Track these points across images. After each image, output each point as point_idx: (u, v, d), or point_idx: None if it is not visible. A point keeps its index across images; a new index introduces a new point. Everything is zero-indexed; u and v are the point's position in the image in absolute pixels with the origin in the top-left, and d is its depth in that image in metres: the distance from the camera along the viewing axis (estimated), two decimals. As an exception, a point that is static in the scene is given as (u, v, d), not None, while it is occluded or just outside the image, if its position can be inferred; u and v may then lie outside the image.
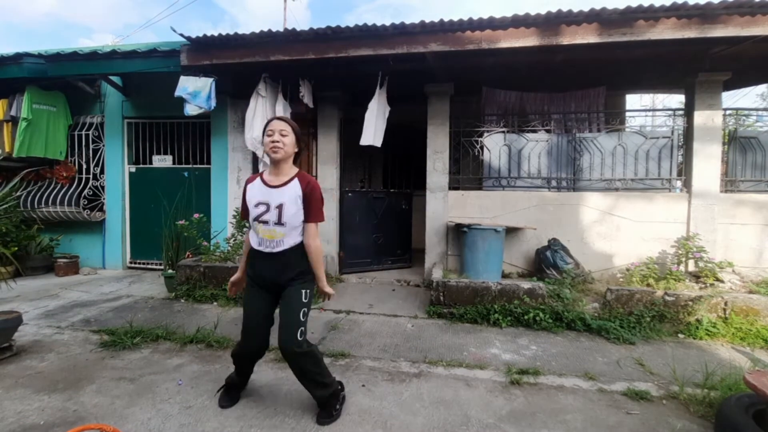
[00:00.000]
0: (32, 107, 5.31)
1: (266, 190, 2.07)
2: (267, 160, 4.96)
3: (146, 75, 5.16)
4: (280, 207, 2.02)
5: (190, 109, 4.76)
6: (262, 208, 2.05)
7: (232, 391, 2.30)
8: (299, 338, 2.01)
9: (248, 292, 2.18)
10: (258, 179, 2.14)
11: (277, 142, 2.02)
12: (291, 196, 2.04)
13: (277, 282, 2.10)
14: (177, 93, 4.69)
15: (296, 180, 2.08)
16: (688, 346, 3.16)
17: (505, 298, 3.66)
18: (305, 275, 2.12)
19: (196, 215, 4.85)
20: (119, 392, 2.36)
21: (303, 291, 2.07)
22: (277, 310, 2.15)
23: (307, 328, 2.10)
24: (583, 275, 4.42)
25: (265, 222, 2.04)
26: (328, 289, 2.18)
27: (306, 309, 2.07)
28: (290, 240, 2.07)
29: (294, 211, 2.04)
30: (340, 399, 2.20)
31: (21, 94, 5.26)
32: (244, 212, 2.19)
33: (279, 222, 2.03)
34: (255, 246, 2.11)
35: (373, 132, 4.74)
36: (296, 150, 2.13)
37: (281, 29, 4.54)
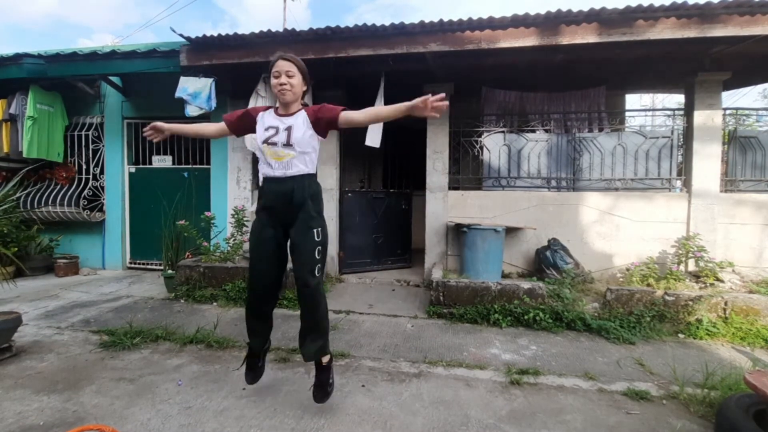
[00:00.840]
0: (36, 107, 5.32)
1: (277, 117, 2.12)
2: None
3: (146, 75, 5.17)
4: (288, 129, 2.05)
5: (191, 110, 4.76)
6: (272, 131, 2.07)
7: (253, 363, 2.26)
8: (317, 274, 2.03)
9: (255, 227, 2.17)
10: (271, 109, 2.18)
11: (285, 84, 2.03)
12: (299, 120, 2.08)
13: (286, 212, 2.08)
14: (177, 94, 4.69)
15: (303, 111, 2.12)
16: (688, 345, 3.16)
17: (505, 298, 3.66)
18: (315, 209, 2.10)
19: (208, 213, 4.87)
20: (119, 393, 2.36)
21: (315, 230, 2.06)
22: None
23: (323, 270, 2.10)
24: (583, 275, 4.41)
25: (274, 144, 2.05)
26: (417, 101, 2.00)
27: (321, 247, 2.06)
28: (300, 165, 2.07)
29: (303, 133, 2.05)
30: (332, 374, 2.18)
31: (21, 93, 5.26)
32: (238, 120, 2.21)
33: (287, 143, 2.03)
34: (263, 171, 2.12)
35: (378, 132, 4.74)
36: (304, 89, 2.14)
37: (281, 29, 4.54)
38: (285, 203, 2.08)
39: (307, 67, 2.16)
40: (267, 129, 2.09)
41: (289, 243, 2.16)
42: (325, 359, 2.14)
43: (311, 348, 2.09)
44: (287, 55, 2.11)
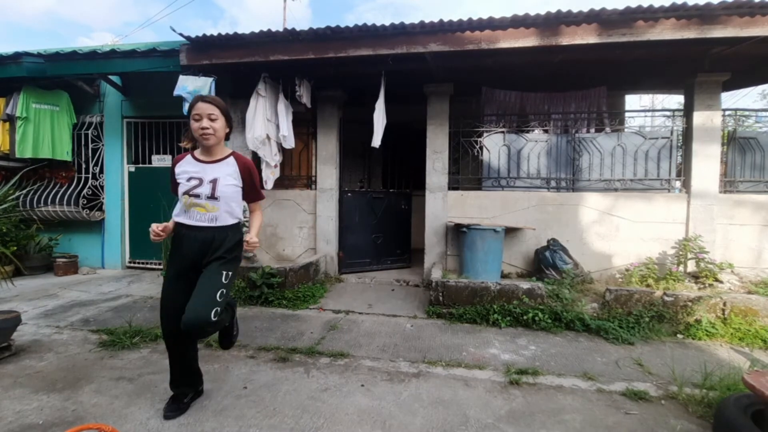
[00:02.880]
0: (31, 107, 5.31)
1: (199, 165, 2.02)
2: (267, 159, 4.93)
3: (145, 74, 5.16)
4: (214, 181, 1.98)
5: (190, 109, 4.75)
6: (195, 182, 1.99)
7: (178, 399, 2.17)
8: (213, 318, 1.88)
9: (168, 277, 2.09)
10: (189, 156, 2.07)
11: (207, 128, 1.96)
12: (226, 171, 2.01)
13: (199, 259, 2.01)
14: (176, 92, 4.69)
15: (232, 158, 2.06)
16: (687, 346, 3.16)
17: (504, 298, 3.67)
18: (230, 254, 2.04)
19: None
20: (118, 392, 2.36)
21: (224, 272, 1.99)
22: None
23: (222, 312, 1.96)
24: (582, 275, 4.42)
25: (197, 196, 1.98)
26: (255, 237, 2.06)
27: (225, 290, 1.96)
28: (223, 219, 2.03)
29: (228, 186, 2.00)
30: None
31: (18, 93, 5.26)
32: (173, 187, 2.10)
33: (212, 196, 1.98)
34: (182, 220, 2.02)
35: (380, 133, 4.74)
36: (227, 131, 2.07)
37: (281, 29, 4.53)
38: (201, 251, 2.01)
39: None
40: (189, 179, 1.99)
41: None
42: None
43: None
44: (207, 96, 2.03)
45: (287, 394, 2.37)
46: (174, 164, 2.09)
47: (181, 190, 2.01)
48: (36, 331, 3.36)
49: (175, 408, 2.12)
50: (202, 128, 1.95)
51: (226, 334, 2.30)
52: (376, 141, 4.75)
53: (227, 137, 2.10)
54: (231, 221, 2.06)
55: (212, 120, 1.97)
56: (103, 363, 2.76)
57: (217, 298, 1.93)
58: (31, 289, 4.73)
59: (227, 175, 2.01)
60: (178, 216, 2.06)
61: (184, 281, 2.03)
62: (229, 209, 2.04)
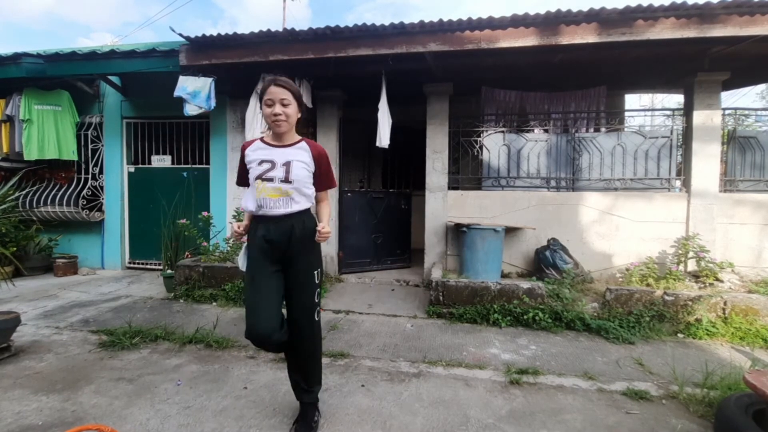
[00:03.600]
0: (34, 109, 5.31)
1: (271, 150, 1.92)
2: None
3: (145, 75, 5.16)
4: (287, 164, 1.87)
5: (190, 109, 4.75)
6: (267, 166, 1.88)
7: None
8: (316, 318, 1.98)
9: (250, 269, 1.95)
10: (259, 141, 1.98)
11: (279, 114, 1.85)
12: (299, 155, 1.92)
13: (284, 249, 1.91)
14: (176, 93, 4.69)
15: (304, 143, 1.97)
16: (688, 345, 3.16)
17: (505, 298, 3.66)
18: (313, 248, 1.99)
19: (205, 213, 4.86)
20: (118, 393, 2.36)
21: (315, 272, 1.98)
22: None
23: (320, 312, 2.05)
24: (583, 275, 4.42)
25: (270, 179, 1.86)
26: (327, 227, 1.95)
27: (320, 290, 2.02)
28: (298, 203, 1.91)
29: (302, 170, 1.89)
30: (318, 411, 2.10)
31: (18, 94, 5.26)
32: (240, 177, 2.04)
33: (286, 179, 1.86)
34: (256, 211, 1.92)
35: (387, 132, 4.72)
36: (299, 116, 1.95)
37: (280, 29, 4.53)
38: (282, 239, 1.90)
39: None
40: (261, 163, 1.89)
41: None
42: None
43: (305, 397, 2.04)
44: (280, 79, 1.88)
45: (287, 394, 2.36)
46: (244, 149, 1.99)
47: (253, 174, 1.90)
48: (35, 332, 3.36)
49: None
50: (275, 114, 1.85)
51: (304, 422, 2.07)
52: (383, 141, 4.71)
53: (299, 122, 1.99)
54: (304, 206, 1.94)
55: (285, 105, 1.86)
56: (103, 364, 2.76)
57: (315, 300, 1.98)
58: (31, 290, 4.72)
59: (300, 159, 1.91)
60: (250, 208, 1.95)
61: (271, 278, 1.92)
62: (302, 194, 1.92)
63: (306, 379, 2.03)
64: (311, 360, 2.03)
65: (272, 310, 1.88)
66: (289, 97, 1.87)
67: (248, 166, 1.94)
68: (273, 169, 1.87)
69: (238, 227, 1.99)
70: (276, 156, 1.90)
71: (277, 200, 1.88)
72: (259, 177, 1.87)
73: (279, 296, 1.93)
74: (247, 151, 1.97)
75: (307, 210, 1.98)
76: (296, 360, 2.03)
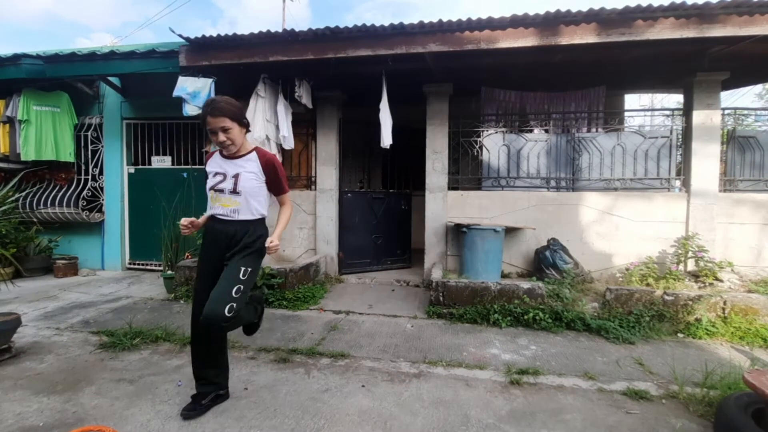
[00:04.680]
0: (32, 109, 5.31)
1: (224, 162, 2.11)
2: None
3: (145, 76, 5.16)
4: (236, 176, 2.06)
5: (190, 110, 4.75)
6: (219, 177, 2.09)
7: (197, 398, 2.19)
8: (227, 314, 1.92)
9: (198, 273, 2.20)
10: (217, 153, 2.18)
11: (224, 141, 2.02)
12: (247, 166, 2.08)
13: (223, 253, 2.10)
14: (176, 93, 4.68)
15: (254, 153, 2.12)
16: (688, 345, 3.17)
17: (505, 298, 3.67)
18: (249, 248, 2.09)
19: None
20: (119, 393, 2.36)
21: (242, 268, 2.04)
22: None
23: (239, 309, 1.99)
24: (583, 275, 4.42)
25: (221, 191, 2.08)
26: (276, 240, 2.09)
27: (242, 286, 2.00)
28: (246, 212, 2.10)
29: (250, 180, 2.07)
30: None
31: (18, 95, 5.26)
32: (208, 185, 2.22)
33: (234, 191, 2.06)
34: (210, 213, 2.16)
35: (389, 132, 4.73)
36: (245, 131, 2.11)
37: (280, 29, 4.53)
38: (224, 243, 2.10)
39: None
40: (215, 175, 2.10)
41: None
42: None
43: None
44: (216, 108, 1.97)
45: (288, 395, 2.37)
46: (205, 162, 2.22)
47: (208, 185, 2.12)
48: (36, 333, 3.36)
49: (192, 407, 2.12)
50: (220, 142, 2.02)
51: (251, 327, 2.39)
52: (386, 141, 4.71)
53: (248, 130, 2.16)
54: (253, 216, 2.12)
55: (226, 132, 2.00)
56: (104, 364, 2.76)
57: (233, 294, 1.97)
58: (31, 291, 4.72)
59: (249, 171, 2.08)
60: (208, 210, 2.18)
61: (211, 276, 2.10)
62: (250, 204, 2.09)
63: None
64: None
65: (203, 305, 2.00)
66: (228, 122, 1.99)
67: (207, 176, 2.15)
68: (224, 181, 2.07)
69: (186, 220, 2.16)
70: (227, 168, 2.09)
71: (226, 209, 2.10)
72: (212, 188, 2.10)
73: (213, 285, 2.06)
74: (207, 165, 2.19)
75: (256, 220, 2.14)
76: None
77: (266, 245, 2.09)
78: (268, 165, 2.11)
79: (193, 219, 2.19)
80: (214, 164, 2.14)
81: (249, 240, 2.09)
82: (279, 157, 5.13)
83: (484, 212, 4.92)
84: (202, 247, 2.21)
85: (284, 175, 2.22)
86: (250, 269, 2.07)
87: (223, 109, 1.98)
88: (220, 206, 2.10)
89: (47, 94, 5.49)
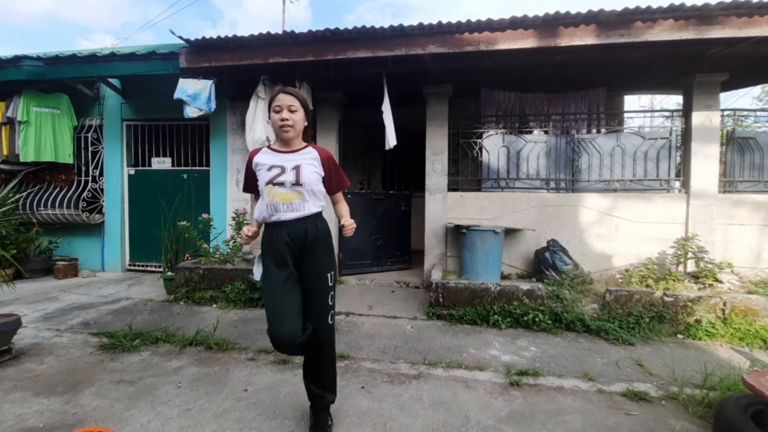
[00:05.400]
0: (32, 110, 5.32)
1: (279, 155, 1.94)
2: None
3: (145, 77, 5.17)
4: (297, 168, 1.88)
5: (190, 111, 4.76)
6: (277, 170, 1.89)
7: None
8: (329, 321, 1.97)
9: (268, 276, 1.94)
10: (266, 148, 2.01)
11: (287, 120, 1.88)
12: (307, 159, 1.93)
13: (298, 253, 1.92)
14: (176, 95, 4.70)
15: (311, 147, 1.99)
16: (688, 346, 3.17)
17: (505, 299, 3.67)
18: (327, 251, 1.99)
19: (205, 215, 4.88)
20: (118, 395, 2.36)
21: (328, 275, 1.97)
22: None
23: (334, 315, 2.03)
24: (582, 276, 4.42)
25: (281, 183, 1.87)
26: (348, 219, 2.05)
27: (333, 292, 2.00)
28: (310, 206, 1.93)
29: (312, 173, 1.91)
30: (331, 416, 2.08)
31: (18, 96, 5.27)
32: (248, 183, 2.06)
33: (297, 182, 1.87)
34: (269, 217, 1.92)
35: (393, 133, 4.72)
36: (305, 124, 1.99)
37: (280, 30, 4.54)
38: (295, 244, 1.91)
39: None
40: (270, 168, 1.90)
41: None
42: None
43: (319, 402, 2.03)
44: (289, 88, 1.96)
45: (288, 396, 2.37)
46: (251, 156, 2.01)
47: (263, 179, 1.91)
48: (36, 335, 3.36)
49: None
50: (282, 119, 1.89)
51: (318, 421, 2.06)
52: (391, 141, 4.69)
53: (305, 131, 2.04)
54: (316, 209, 1.96)
55: (292, 112, 1.90)
56: (104, 366, 2.76)
57: (329, 303, 1.97)
58: (31, 292, 4.72)
59: (309, 163, 1.93)
60: (263, 215, 1.96)
61: (289, 282, 1.91)
62: (314, 196, 1.94)
63: (319, 383, 2.01)
64: (325, 362, 2.03)
65: (293, 315, 1.86)
66: (297, 104, 1.91)
67: (257, 173, 1.95)
68: (283, 174, 1.88)
69: (248, 231, 2.04)
70: (285, 161, 1.91)
71: (289, 204, 1.89)
72: (270, 182, 1.89)
73: (297, 300, 1.91)
74: (256, 158, 1.97)
75: (319, 213, 2.00)
76: (310, 363, 2.03)
77: (343, 224, 2.02)
78: (328, 160, 2.00)
79: (254, 229, 2.06)
80: (266, 158, 1.94)
81: (321, 237, 1.96)
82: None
83: (483, 213, 4.93)
84: (265, 258, 1.96)
85: (342, 170, 2.11)
86: (333, 273, 2.00)
87: (296, 92, 1.95)
88: (281, 203, 1.88)
89: (47, 95, 5.50)
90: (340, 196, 2.16)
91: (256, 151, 2.02)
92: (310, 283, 1.95)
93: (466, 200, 5.01)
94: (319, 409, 2.03)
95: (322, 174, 1.98)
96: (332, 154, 2.06)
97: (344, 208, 2.16)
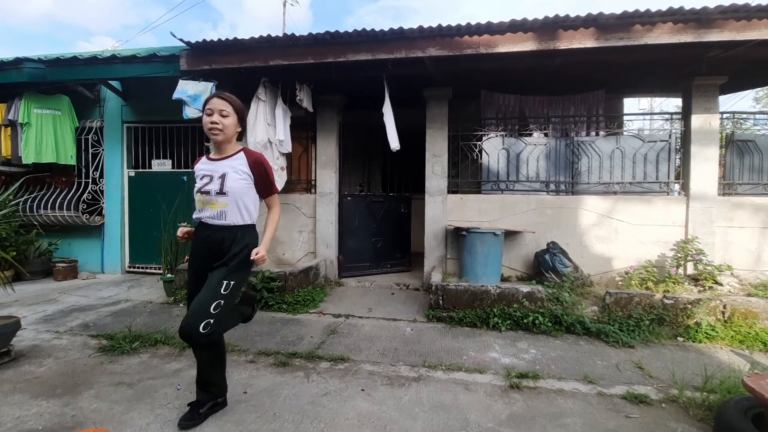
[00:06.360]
0: (33, 112, 5.33)
1: (211, 164, 2.06)
2: (270, 162, 4.96)
3: (146, 80, 5.18)
4: (222, 176, 1.98)
5: (190, 112, 4.76)
6: (206, 180, 2.01)
7: (194, 406, 2.12)
8: (201, 330, 1.87)
9: (188, 274, 2.16)
10: (204, 157, 2.15)
11: (216, 123, 1.97)
12: (235, 167, 2.01)
13: (211, 262, 2.03)
14: (176, 95, 4.69)
15: (242, 153, 2.06)
16: (688, 349, 3.16)
17: (505, 301, 3.66)
18: (235, 259, 2.00)
19: None
20: (118, 397, 2.36)
21: (225, 282, 1.95)
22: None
23: (218, 323, 1.94)
24: (582, 278, 4.42)
25: (207, 192, 1.99)
26: (263, 251, 2.02)
27: (222, 301, 1.93)
28: (234, 215, 2.01)
29: (237, 180, 1.99)
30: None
31: (20, 99, 5.28)
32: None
33: (221, 191, 1.98)
34: (197, 217, 2.07)
35: (395, 135, 4.73)
36: (239, 130, 2.08)
37: (281, 33, 4.56)
38: (209, 251, 2.03)
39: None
40: (202, 178, 2.03)
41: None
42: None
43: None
44: (223, 93, 2.04)
45: (287, 398, 2.36)
46: (194, 166, 2.16)
47: (195, 188, 2.05)
48: (35, 336, 3.35)
49: (189, 417, 2.06)
50: (212, 122, 1.97)
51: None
52: (393, 144, 4.69)
53: (240, 137, 2.12)
54: (241, 221, 2.03)
55: (223, 116, 1.98)
56: (103, 368, 2.76)
57: (211, 311, 1.90)
58: (31, 294, 4.72)
59: (236, 171, 2.00)
60: (195, 215, 2.09)
61: (200, 282, 2.03)
62: (239, 206, 2.01)
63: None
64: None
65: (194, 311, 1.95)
66: (229, 110, 2.00)
67: (195, 180, 2.10)
68: (210, 183, 2.00)
69: (180, 232, 2.17)
70: (215, 169, 2.02)
71: (213, 211, 2.01)
72: (199, 190, 2.02)
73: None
74: (196, 166, 2.12)
75: (245, 226, 2.06)
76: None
77: (252, 257, 1.99)
78: (256, 164, 2.05)
79: (189, 229, 2.17)
80: (202, 166, 2.08)
81: (236, 249, 2.00)
82: (282, 161, 5.14)
83: (483, 216, 4.93)
84: (190, 254, 2.12)
85: (272, 174, 2.15)
86: (233, 283, 1.98)
87: (230, 98, 2.03)
88: (208, 208, 2.01)
89: (48, 97, 5.51)
90: (273, 201, 2.18)
91: (197, 160, 2.17)
92: (207, 283, 2.00)
93: (466, 202, 5.01)
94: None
95: (252, 179, 2.05)
96: (263, 158, 2.10)
97: (272, 220, 2.16)
